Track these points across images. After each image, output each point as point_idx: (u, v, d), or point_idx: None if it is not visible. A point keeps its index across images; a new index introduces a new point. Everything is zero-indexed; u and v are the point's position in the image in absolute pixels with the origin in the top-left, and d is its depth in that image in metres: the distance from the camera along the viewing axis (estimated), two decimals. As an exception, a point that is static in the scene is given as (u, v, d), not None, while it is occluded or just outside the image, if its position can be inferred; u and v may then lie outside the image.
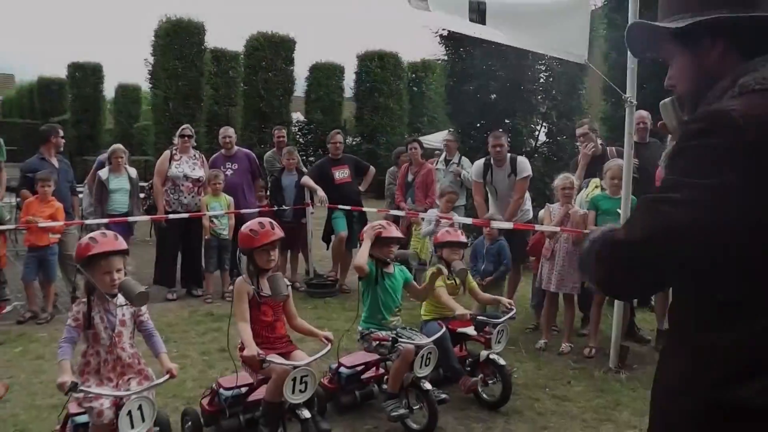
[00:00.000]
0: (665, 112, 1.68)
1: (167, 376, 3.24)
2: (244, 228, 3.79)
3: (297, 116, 23.72)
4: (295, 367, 3.43)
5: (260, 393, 3.80)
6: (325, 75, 22.91)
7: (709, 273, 1.30)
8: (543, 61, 10.45)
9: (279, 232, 3.78)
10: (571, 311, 6.09)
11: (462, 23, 4.39)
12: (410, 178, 8.73)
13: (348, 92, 24.18)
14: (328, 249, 8.57)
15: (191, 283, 7.74)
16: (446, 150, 9.60)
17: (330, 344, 3.73)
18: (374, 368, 4.49)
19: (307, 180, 8.03)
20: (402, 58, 23.69)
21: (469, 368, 4.80)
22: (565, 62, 10.46)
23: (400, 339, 4.05)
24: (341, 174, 8.24)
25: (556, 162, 10.78)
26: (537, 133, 10.91)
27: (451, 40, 10.57)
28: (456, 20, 4.38)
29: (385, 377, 4.62)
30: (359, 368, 4.38)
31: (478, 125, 10.81)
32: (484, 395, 4.66)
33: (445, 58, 10.83)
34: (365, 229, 4.46)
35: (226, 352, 5.53)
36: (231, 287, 7.80)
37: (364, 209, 8.30)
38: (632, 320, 6.22)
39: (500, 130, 7.75)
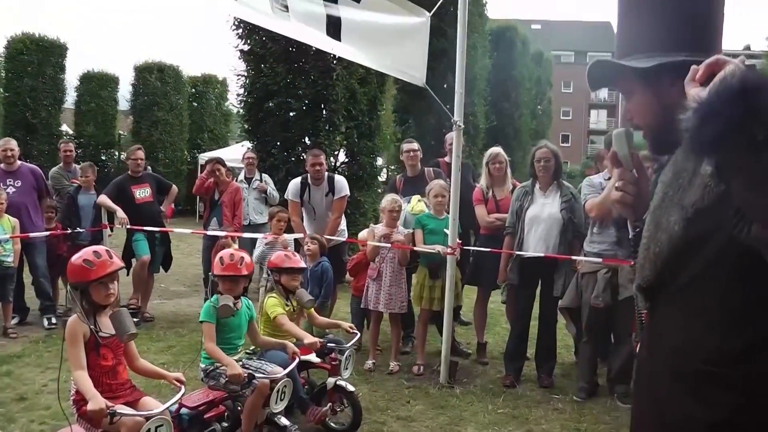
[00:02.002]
0: (618, 141, 1.70)
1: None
2: (76, 259, 3.26)
3: (64, 129, 21.68)
4: (148, 418, 3.00)
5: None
6: (98, 85, 21.20)
7: None
8: (343, 81, 10.56)
9: (118, 262, 3.32)
10: (397, 329, 6.13)
11: (320, 37, 4.23)
12: (216, 197, 8.33)
13: (123, 105, 22.64)
14: (128, 274, 7.83)
15: (-37, 319, 6.62)
16: (246, 167, 9.34)
17: (183, 387, 3.33)
18: (216, 406, 4.11)
19: (104, 199, 7.27)
20: (182, 71, 22.71)
21: (306, 396, 4.59)
22: (367, 83, 10.73)
23: (256, 374, 3.74)
24: (142, 193, 7.59)
25: (356, 181, 10.96)
26: (337, 152, 10.98)
27: (252, 55, 10.31)
28: (315, 34, 4.21)
29: (226, 414, 4.28)
30: (201, 408, 3.98)
31: (279, 143, 10.63)
32: (332, 424, 4.50)
33: (245, 74, 10.49)
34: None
35: (25, 400, 4.81)
36: (14, 321, 6.85)
37: (167, 230, 7.72)
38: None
39: (318, 148, 7.65)
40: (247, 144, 11.18)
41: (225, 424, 4.25)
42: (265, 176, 9.33)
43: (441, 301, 5.76)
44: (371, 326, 6.22)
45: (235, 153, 15.30)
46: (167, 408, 3.17)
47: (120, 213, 7.12)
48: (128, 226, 7.18)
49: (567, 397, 5.28)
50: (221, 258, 4.10)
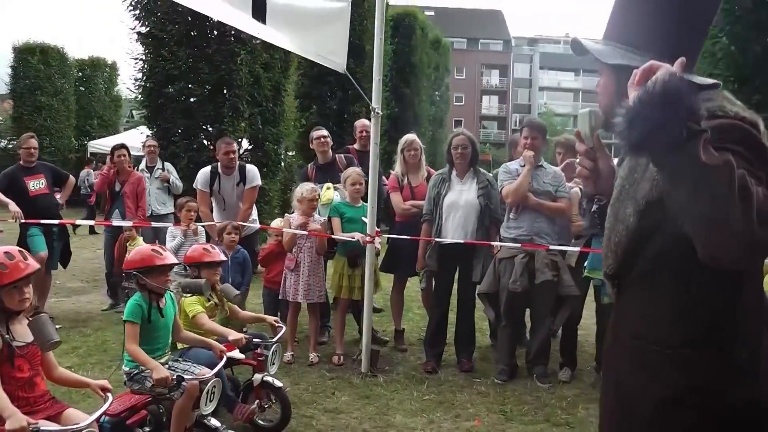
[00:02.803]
0: (582, 120, 1.79)
1: None
2: (-16, 261, 2.98)
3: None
4: None
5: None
6: (-29, 67, 19.77)
7: None
8: (246, 65, 10.28)
9: (34, 264, 3.07)
10: (316, 320, 6.05)
11: (245, 20, 4.05)
12: (117, 187, 7.91)
13: (2, 88, 21.17)
14: (22, 273, 7.31)
15: None
16: (148, 156, 8.92)
17: (110, 395, 3.11)
18: (139, 411, 3.90)
19: (-6, 192, 6.75)
20: (67, 53, 21.48)
21: (232, 393, 4.45)
22: (271, 68, 10.48)
23: (185, 376, 3.57)
24: (37, 184, 7.09)
25: (261, 168, 10.72)
26: (241, 139, 10.70)
27: (151, 38, 9.83)
28: (240, 16, 4.03)
29: (149, 418, 4.08)
30: (124, 414, 3.77)
31: (180, 130, 10.23)
32: (260, 421, 4.37)
33: (144, 57, 10.00)
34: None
35: None
36: None
37: (67, 223, 7.27)
38: (371, 323, 6.39)
39: (229, 136, 7.42)
40: (145, 131, 10.67)
41: (147, 429, 4.08)
42: (168, 165, 8.92)
43: (361, 290, 5.72)
44: (289, 317, 6.08)
45: (130, 140, 14.60)
46: (94, 419, 2.96)
47: (12, 206, 6.64)
48: (22, 221, 6.70)
49: (488, 380, 5.39)
50: (154, 250, 3.89)
